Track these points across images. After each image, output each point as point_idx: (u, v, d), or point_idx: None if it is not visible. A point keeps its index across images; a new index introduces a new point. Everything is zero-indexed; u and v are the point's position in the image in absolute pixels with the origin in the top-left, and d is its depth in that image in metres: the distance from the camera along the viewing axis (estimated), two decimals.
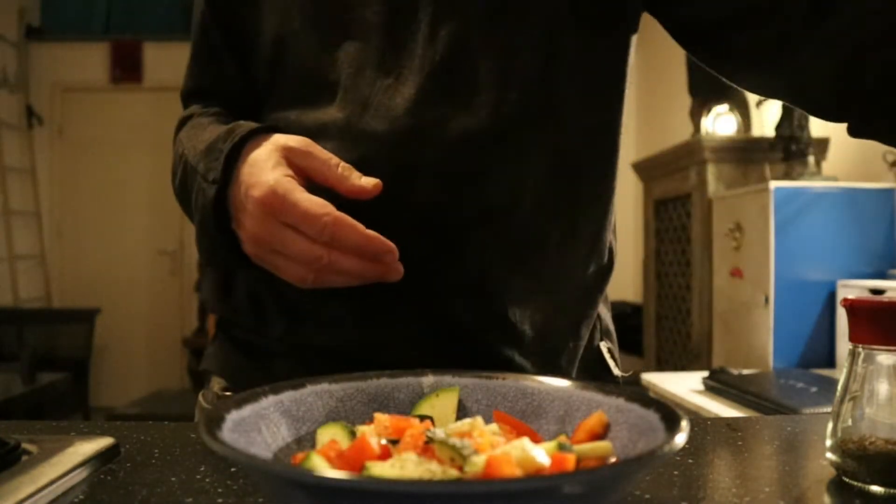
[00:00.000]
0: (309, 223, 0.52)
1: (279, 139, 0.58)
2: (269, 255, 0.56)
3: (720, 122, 2.74)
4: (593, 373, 0.74)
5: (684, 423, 0.37)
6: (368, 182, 0.57)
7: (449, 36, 0.62)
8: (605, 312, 0.77)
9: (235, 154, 0.59)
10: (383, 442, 0.40)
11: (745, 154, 2.51)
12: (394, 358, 0.62)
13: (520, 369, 0.66)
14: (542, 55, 0.63)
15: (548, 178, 0.65)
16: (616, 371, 0.76)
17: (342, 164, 0.57)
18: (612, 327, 0.79)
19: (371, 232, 0.53)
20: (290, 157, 0.56)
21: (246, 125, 0.61)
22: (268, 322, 0.69)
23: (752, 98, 2.69)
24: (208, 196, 0.59)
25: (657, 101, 4.08)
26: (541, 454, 0.37)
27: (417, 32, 0.62)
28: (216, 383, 0.75)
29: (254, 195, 0.54)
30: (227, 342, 0.75)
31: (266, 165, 0.55)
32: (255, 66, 0.70)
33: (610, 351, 0.77)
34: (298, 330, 0.67)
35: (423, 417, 0.46)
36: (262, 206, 0.54)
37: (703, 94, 2.81)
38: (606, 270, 0.73)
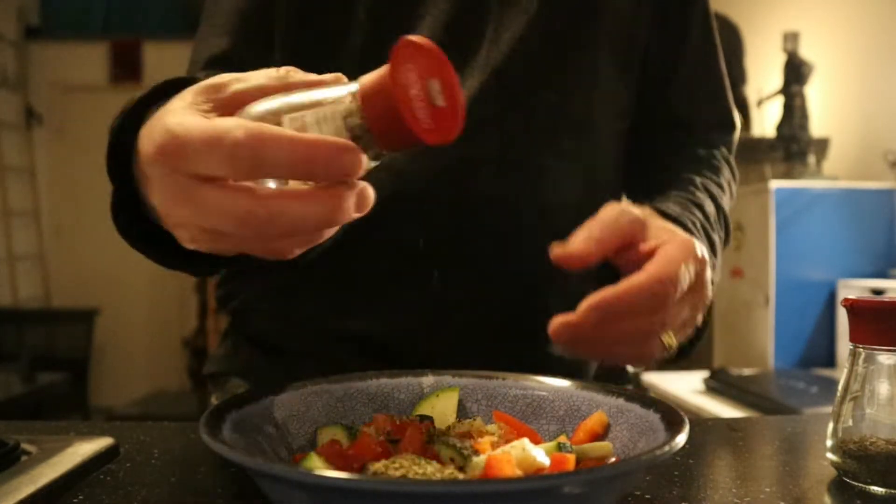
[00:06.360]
0: (213, 148, 0.34)
1: (188, 90, 0.41)
2: (201, 235, 0.39)
3: None
4: (608, 369, 0.77)
5: (684, 423, 0.37)
6: (327, 75, 0.40)
7: (512, 39, 0.66)
8: None
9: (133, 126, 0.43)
10: (383, 442, 0.40)
11: (746, 154, 2.51)
12: (433, 351, 0.64)
13: (556, 365, 0.68)
14: (591, 65, 0.70)
15: (588, 179, 0.72)
16: (629, 367, 0.80)
17: (282, 68, 0.40)
18: None
19: (307, 136, 0.34)
20: (208, 93, 0.39)
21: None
22: (296, 306, 0.70)
23: (752, 98, 2.70)
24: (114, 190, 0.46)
25: None
26: (541, 454, 0.37)
27: (483, 33, 0.67)
28: (237, 386, 0.74)
29: (146, 149, 0.38)
30: (244, 343, 0.75)
31: (166, 113, 0.39)
32: (309, 52, 0.68)
33: None
34: (327, 315, 0.68)
35: (423, 417, 0.46)
36: (158, 158, 0.37)
37: None
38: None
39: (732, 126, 0.82)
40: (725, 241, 0.73)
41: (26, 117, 4.95)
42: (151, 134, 0.38)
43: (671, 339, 0.51)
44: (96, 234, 5.06)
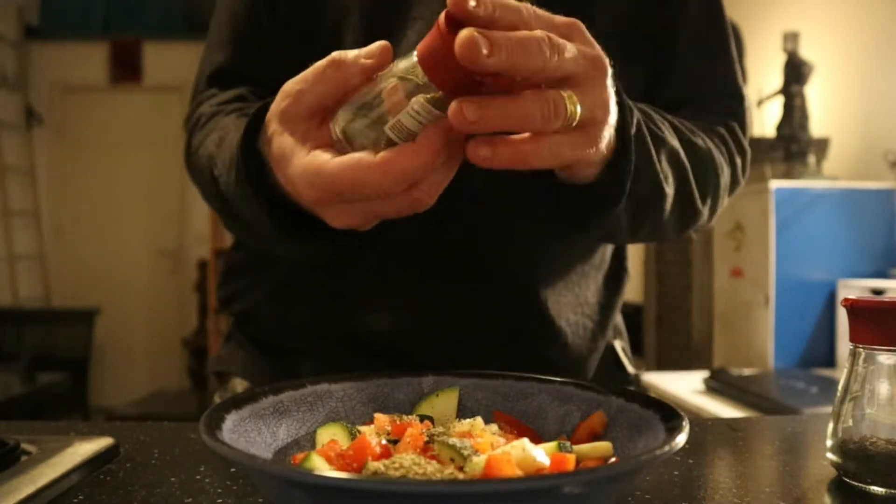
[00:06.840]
0: (370, 187, 0.43)
1: (270, 116, 0.49)
2: (379, 218, 0.49)
3: None
4: (609, 370, 0.77)
5: (684, 423, 0.37)
6: (374, 49, 0.44)
7: None
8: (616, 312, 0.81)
9: (264, 179, 0.52)
10: (383, 442, 0.40)
11: None
12: (433, 351, 0.65)
13: (555, 365, 0.69)
14: None
15: None
16: (630, 368, 0.80)
17: (331, 59, 0.45)
18: (622, 326, 0.83)
19: (421, 139, 0.42)
20: (290, 120, 0.47)
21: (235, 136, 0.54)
22: (297, 307, 0.70)
23: (752, 98, 2.70)
24: (264, 222, 0.53)
25: None
26: (541, 454, 0.37)
27: None
28: (238, 384, 0.75)
29: (308, 199, 0.47)
30: (246, 343, 0.75)
31: (283, 158, 0.47)
32: (310, 55, 0.68)
33: (624, 349, 0.80)
34: (329, 314, 0.69)
35: (423, 417, 0.46)
36: (328, 203, 0.46)
37: None
38: (623, 274, 0.78)
39: (738, 96, 0.76)
40: (697, 187, 0.62)
41: (26, 117, 4.95)
42: (293, 182, 0.46)
43: (574, 103, 0.42)
44: (96, 234, 5.07)
